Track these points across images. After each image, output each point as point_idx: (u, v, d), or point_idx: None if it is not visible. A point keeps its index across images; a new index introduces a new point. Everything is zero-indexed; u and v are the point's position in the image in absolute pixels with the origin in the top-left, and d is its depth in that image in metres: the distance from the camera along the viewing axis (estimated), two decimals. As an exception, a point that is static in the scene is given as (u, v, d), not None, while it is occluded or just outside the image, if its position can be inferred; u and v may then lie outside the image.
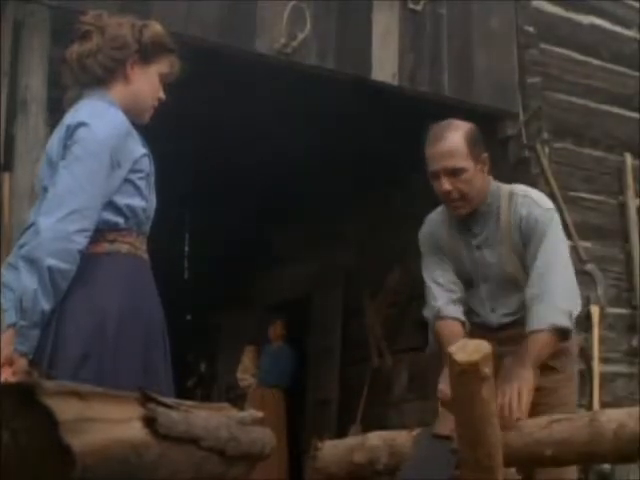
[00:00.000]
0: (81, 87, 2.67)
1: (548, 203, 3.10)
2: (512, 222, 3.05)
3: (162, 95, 2.73)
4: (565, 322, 2.88)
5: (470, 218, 3.14)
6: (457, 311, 3.16)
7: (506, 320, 3.10)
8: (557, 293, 2.91)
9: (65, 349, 2.39)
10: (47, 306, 2.35)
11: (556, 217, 3.06)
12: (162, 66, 2.70)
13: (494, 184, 3.13)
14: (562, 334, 2.90)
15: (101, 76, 2.62)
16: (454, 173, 3.00)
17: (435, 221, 3.25)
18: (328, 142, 7.11)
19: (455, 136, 3.02)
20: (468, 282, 3.21)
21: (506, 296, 3.10)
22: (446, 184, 3.00)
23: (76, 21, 2.68)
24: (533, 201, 3.05)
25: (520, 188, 3.15)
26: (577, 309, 2.97)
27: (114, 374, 2.38)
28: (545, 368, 2.91)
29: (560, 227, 3.07)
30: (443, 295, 3.17)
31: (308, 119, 6.71)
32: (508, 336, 3.00)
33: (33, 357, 2.37)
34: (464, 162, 3.00)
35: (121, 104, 2.62)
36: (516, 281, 3.06)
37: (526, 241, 3.03)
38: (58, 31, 3.95)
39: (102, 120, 2.51)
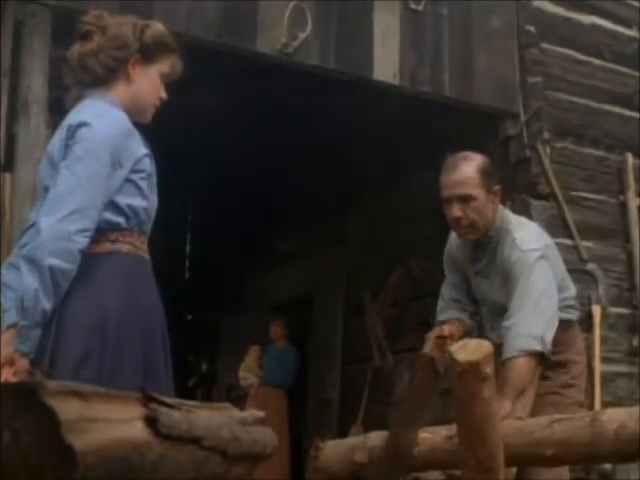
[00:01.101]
0: (82, 87, 2.67)
1: (529, 243, 3.16)
2: (500, 260, 3.20)
3: (164, 95, 2.73)
4: (534, 345, 2.97)
5: (475, 245, 3.29)
6: (455, 313, 3.39)
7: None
8: (526, 322, 3.00)
9: (66, 348, 2.40)
10: (48, 306, 2.36)
11: (531, 257, 3.11)
12: (164, 66, 2.70)
13: (499, 217, 3.24)
14: (537, 357, 2.99)
15: (102, 76, 2.62)
16: (465, 200, 3.14)
17: (455, 239, 3.42)
18: (328, 142, 7.10)
19: (468, 166, 3.17)
20: (476, 300, 3.41)
21: (503, 320, 3.18)
22: (457, 211, 3.15)
23: (77, 21, 2.68)
24: (514, 243, 3.15)
25: (514, 224, 3.26)
26: (550, 331, 3.02)
27: (115, 373, 2.39)
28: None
29: (537, 265, 3.11)
30: (444, 306, 3.45)
31: (308, 118, 6.71)
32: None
33: (34, 357, 2.37)
34: (475, 190, 3.14)
35: (122, 104, 2.62)
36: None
37: (506, 280, 3.16)
38: (59, 31, 3.94)
39: (103, 120, 2.51)
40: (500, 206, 3.28)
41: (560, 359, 3.12)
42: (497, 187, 3.22)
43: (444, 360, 2.95)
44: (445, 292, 3.50)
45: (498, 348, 3.09)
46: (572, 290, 3.38)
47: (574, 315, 3.33)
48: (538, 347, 2.96)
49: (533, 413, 2.94)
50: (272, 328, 8.34)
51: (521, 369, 2.95)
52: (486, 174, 3.19)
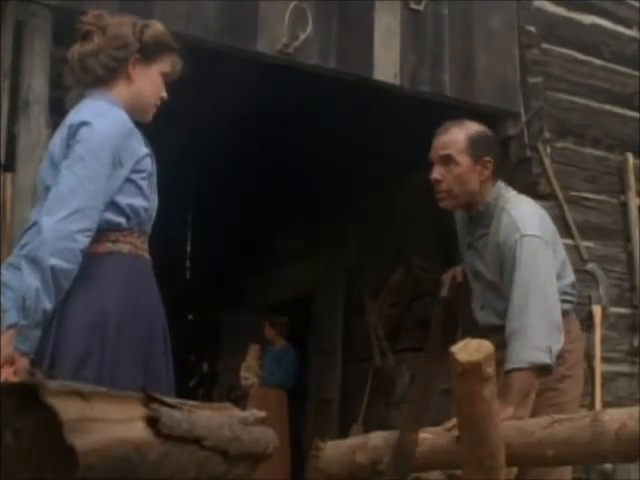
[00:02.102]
0: (83, 87, 2.67)
1: (532, 227, 2.95)
2: (495, 240, 3.02)
3: (164, 94, 2.73)
4: (543, 359, 2.83)
5: (469, 217, 3.16)
6: None
7: (493, 321, 3.09)
8: (535, 329, 2.84)
9: (66, 348, 2.40)
10: (49, 305, 2.36)
11: (533, 243, 2.92)
12: (164, 65, 2.70)
13: (494, 193, 3.07)
14: (542, 369, 2.87)
15: (103, 76, 2.62)
16: (446, 161, 3.01)
17: (458, 212, 3.28)
18: (328, 141, 7.11)
19: (458, 131, 3.05)
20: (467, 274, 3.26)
21: (493, 297, 3.09)
22: (436, 173, 3.03)
23: (77, 21, 2.68)
24: (515, 225, 2.95)
25: (513, 203, 3.05)
26: (558, 344, 2.88)
27: (115, 373, 2.39)
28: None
29: (539, 252, 2.93)
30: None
31: (308, 118, 6.71)
32: (497, 342, 2.99)
33: (34, 356, 2.37)
34: (458, 155, 3.01)
35: (123, 103, 2.62)
36: (499, 289, 3.04)
37: (502, 263, 2.99)
38: (59, 32, 3.94)
39: (105, 120, 2.51)
40: (499, 182, 3.10)
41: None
42: (487, 159, 3.03)
43: (459, 301, 3.19)
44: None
45: (486, 331, 3.01)
46: (570, 277, 3.19)
47: (569, 305, 3.15)
48: (547, 360, 2.84)
49: (533, 413, 2.90)
50: (265, 330, 8.34)
51: (526, 380, 2.84)
52: (476, 143, 3.02)
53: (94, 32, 2.63)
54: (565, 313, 3.05)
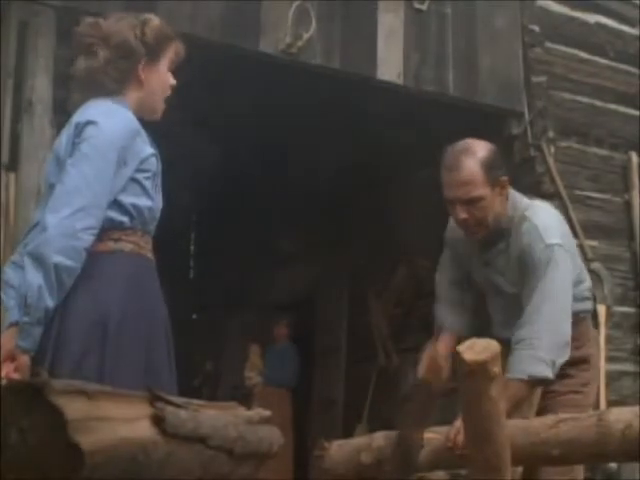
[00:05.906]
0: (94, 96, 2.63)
1: (554, 236, 2.92)
2: (517, 250, 2.97)
3: (173, 82, 2.71)
4: (545, 373, 2.79)
5: (485, 235, 3.07)
6: (455, 319, 3.21)
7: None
8: (542, 342, 2.80)
9: (67, 346, 2.39)
10: (51, 303, 2.35)
11: (557, 254, 2.88)
12: (169, 54, 2.69)
13: (512, 204, 3.02)
14: (541, 381, 2.84)
15: (115, 89, 2.60)
16: (470, 202, 2.93)
17: (457, 228, 3.16)
18: (329, 141, 7.10)
19: (471, 163, 2.92)
20: (482, 290, 3.20)
21: (519, 311, 2.97)
22: (462, 213, 2.94)
23: (74, 35, 2.64)
24: (538, 233, 2.91)
25: (533, 211, 3.01)
26: (563, 357, 2.84)
27: (115, 372, 2.38)
28: (558, 375, 2.88)
29: (561, 263, 2.89)
30: (442, 312, 3.24)
31: (309, 118, 6.71)
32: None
33: (35, 354, 2.37)
34: (480, 190, 2.92)
35: (133, 105, 2.61)
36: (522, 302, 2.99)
37: (524, 274, 2.94)
38: (63, 31, 3.94)
39: (111, 119, 2.51)
40: (510, 192, 3.04)
41: (582, 354, 3.00)
42: (504, 178, 2.97)
43: (439, 382, 3.00)
44: (442, 292, 3.27)
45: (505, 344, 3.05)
46: (588, 281, 3.18)
47: (590, 305, 3.14)
48: (548, 374, 2.80)
49: (551, 413, 2.86)
50: (277, 328, 8.34)
51: (523, 390, 2.80)
52: (490, 168, 2.93)
53: (96, 44, 2.59)
54: (583, 318, 3.06)
